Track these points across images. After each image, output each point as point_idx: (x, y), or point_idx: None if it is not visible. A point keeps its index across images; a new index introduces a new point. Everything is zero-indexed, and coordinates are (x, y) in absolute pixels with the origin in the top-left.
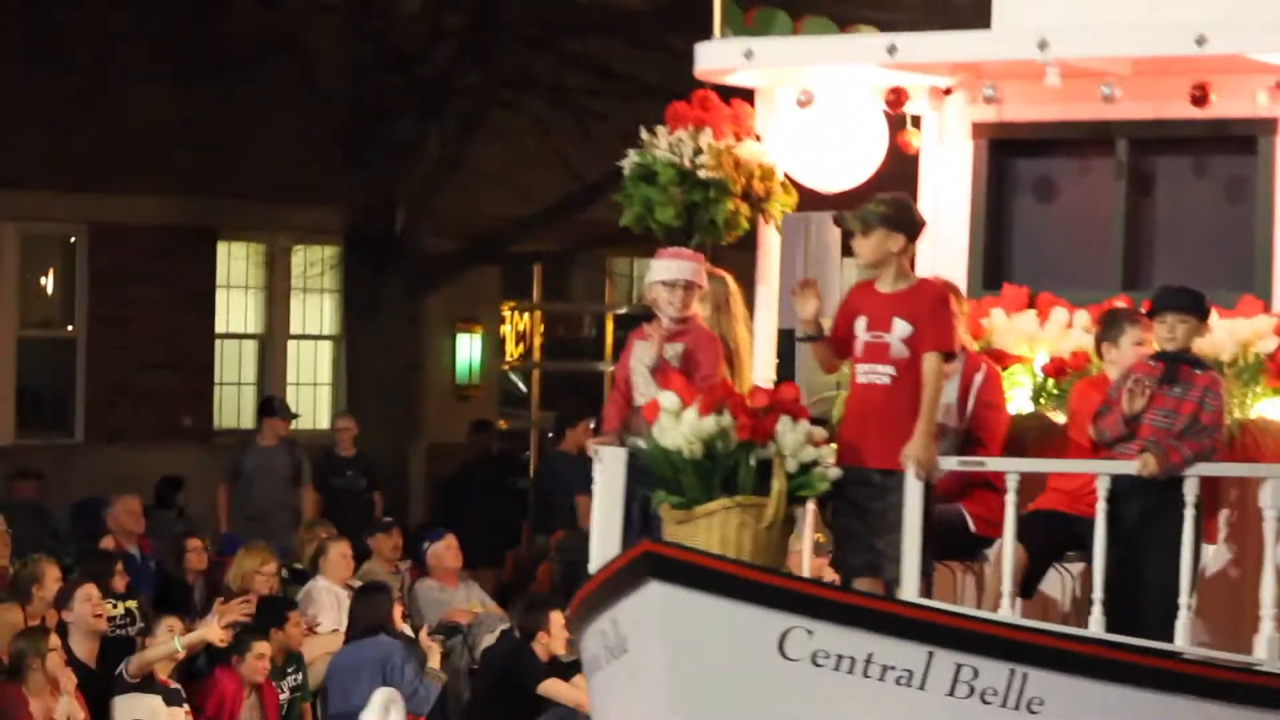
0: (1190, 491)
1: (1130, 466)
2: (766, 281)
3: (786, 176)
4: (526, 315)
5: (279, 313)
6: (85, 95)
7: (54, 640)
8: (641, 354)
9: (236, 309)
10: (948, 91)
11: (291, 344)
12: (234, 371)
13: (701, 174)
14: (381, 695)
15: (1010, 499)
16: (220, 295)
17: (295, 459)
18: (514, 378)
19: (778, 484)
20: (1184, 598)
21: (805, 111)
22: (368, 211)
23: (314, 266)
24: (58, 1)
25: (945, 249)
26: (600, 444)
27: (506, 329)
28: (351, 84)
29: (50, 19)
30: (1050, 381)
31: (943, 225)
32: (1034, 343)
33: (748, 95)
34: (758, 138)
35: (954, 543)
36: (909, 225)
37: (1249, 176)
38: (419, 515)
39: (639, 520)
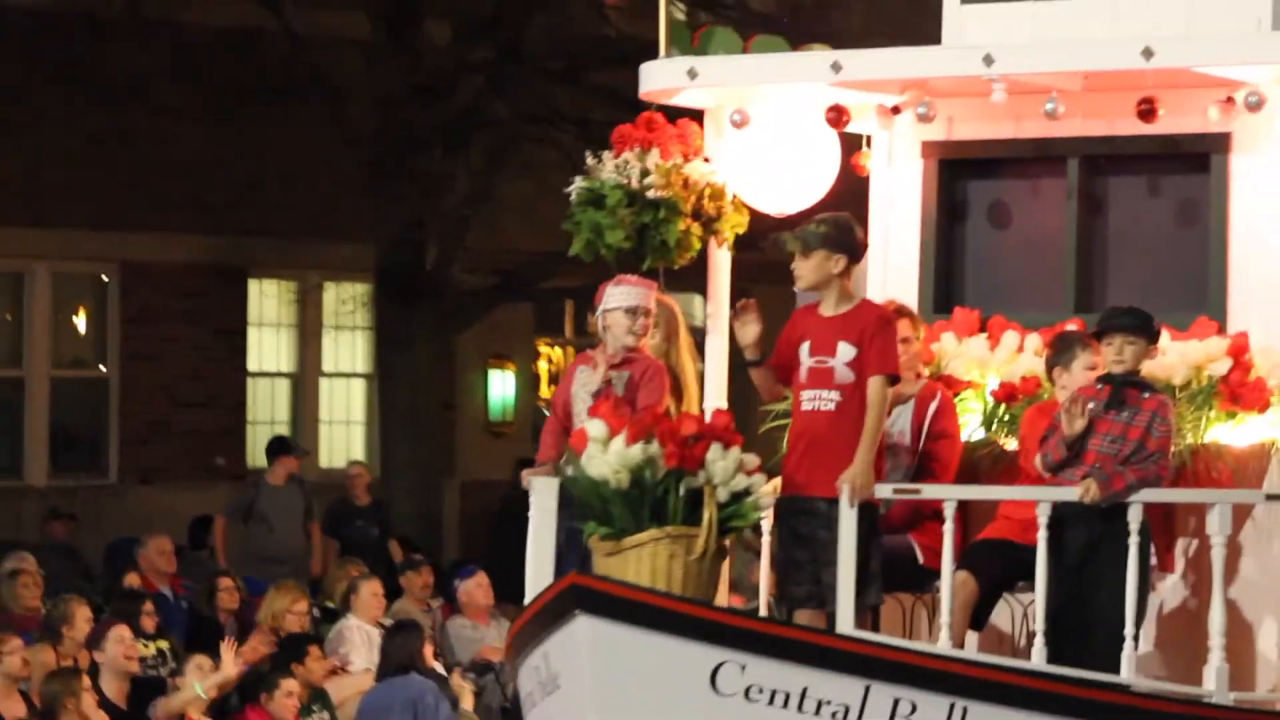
0: (1135, 519)
1: (1072, 493)
2: (717, 306)
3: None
4: (559, 351)
5: (310, 350)
6: (115, 134)
7: (86, 681)
8: (585, 381)
9: (268, 347)
10: (896, 110)
11: (324, 381)
12: (267, 410)
13: (650, 194)
14: None
15: (948, 527)
16: (252, 333)
17: (306, 496)
18: (548, 414)
19: (708, 513)
20: (1130, 628)
21: (754, 132)
22: (398, 248)
23: (345, 304)
24: (87, 40)
25: (896, 272)
26: (533, 474)
27: (541, 365)
28: (379, 118)
29: (79, 58)
30: (1002, 407)
31: (893, 248)
32: (985, 367)
33: (700, 117)
34: (706, 159)
35: (903, 574)
36: (850, 246)
37: (1202, 194)
38: (452, 553)
39: (573, 553)
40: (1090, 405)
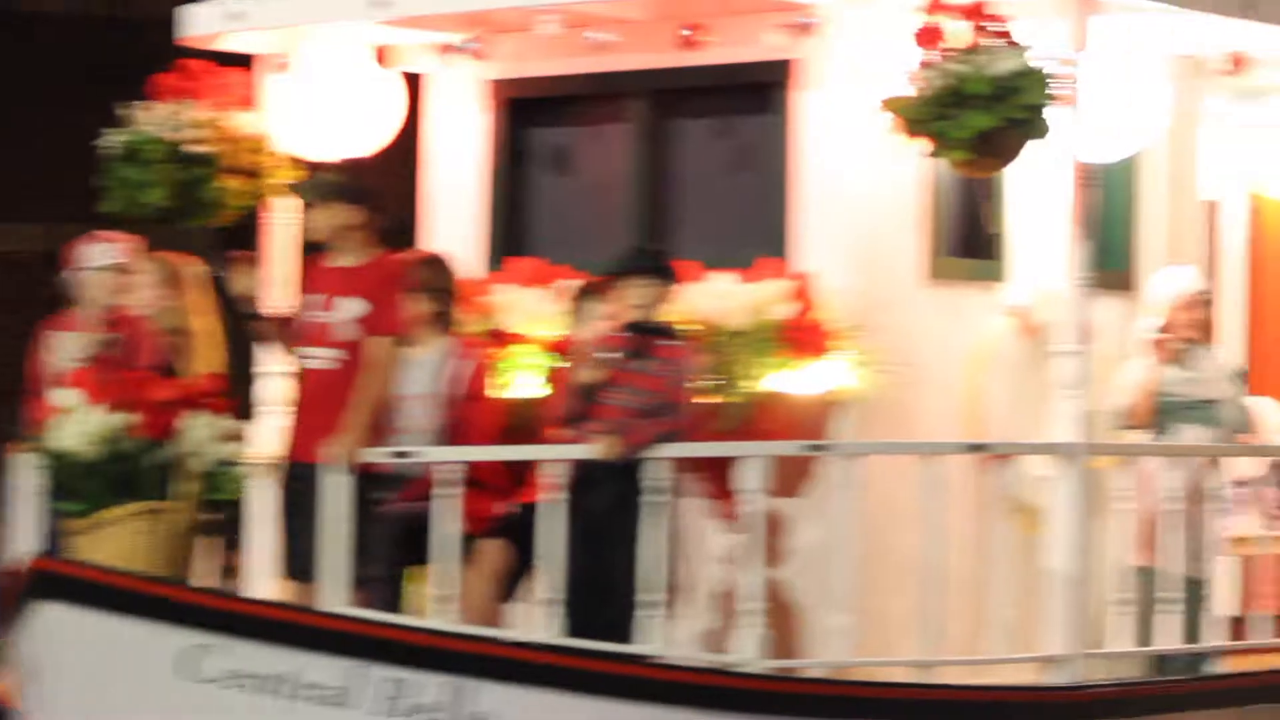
0: (655, 476)
1: (591, 451)
2: (268, 264)
3: (307, 159)
4: None
5: None
6: None
7: None
8: (68, 347)
9: None
10: (448, 49)
11: None
12: None
13: (189, 149)
14: None
15: (452, 490)
16: None
17: None
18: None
19: (185, 486)
20: (654, 594)
21: (305, 77)
22: None
23: None
24: None
25: (457, 221)
26: (16, 450)
27: None
28: None
29: None
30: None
31: (451, 195)
32: (540, 320)
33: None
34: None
35: None
36: (368, 196)
37: (767, 126)
38: None
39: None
40: (610, 356)
